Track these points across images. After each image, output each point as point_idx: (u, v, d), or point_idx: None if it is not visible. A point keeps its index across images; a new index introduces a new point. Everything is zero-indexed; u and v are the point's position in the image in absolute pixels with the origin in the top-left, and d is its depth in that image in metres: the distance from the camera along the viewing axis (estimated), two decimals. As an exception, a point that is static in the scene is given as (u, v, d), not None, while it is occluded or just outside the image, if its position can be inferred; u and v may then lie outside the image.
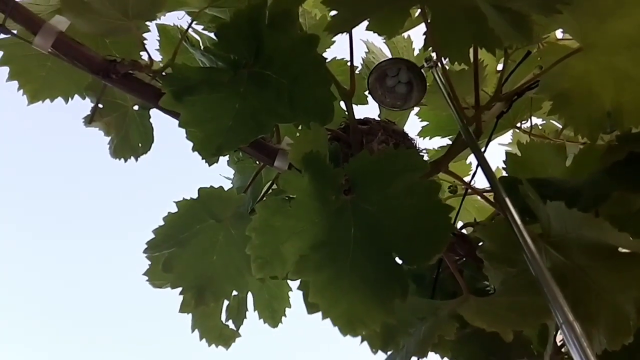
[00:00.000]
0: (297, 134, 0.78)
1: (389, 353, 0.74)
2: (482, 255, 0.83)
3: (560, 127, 1.24)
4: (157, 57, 1.08)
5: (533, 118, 1.19)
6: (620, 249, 0.75)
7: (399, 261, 0.63)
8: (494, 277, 0.83)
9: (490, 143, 1.08)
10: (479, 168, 0.93)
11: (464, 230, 1.00)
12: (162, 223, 0.90)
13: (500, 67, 1.09)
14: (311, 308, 0.69)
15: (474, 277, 1.00)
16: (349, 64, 0.92)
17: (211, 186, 0.91)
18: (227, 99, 0.78)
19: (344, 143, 0.87)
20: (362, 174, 0.69)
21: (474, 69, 0.88)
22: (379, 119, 1.00)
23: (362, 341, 0.73)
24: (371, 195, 0.68)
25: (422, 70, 1.02)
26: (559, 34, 1.07)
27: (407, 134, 0.97)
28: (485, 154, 0.99)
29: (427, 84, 1.03)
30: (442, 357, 1.00)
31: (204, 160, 0.97)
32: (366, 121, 0.94)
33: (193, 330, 1.01)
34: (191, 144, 0.76)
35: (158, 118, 1.07)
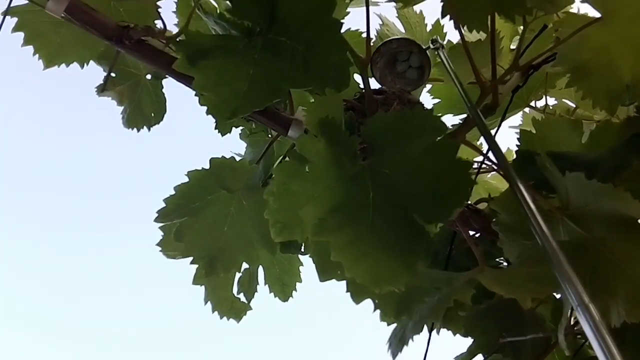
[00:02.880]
0: (312, 101, 0.77)
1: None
2: (497, 228, 0.82)
3: (574, 106, 1.22)
4: (171, 25, 1.07)
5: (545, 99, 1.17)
6: (640, 221, 0.74)
7: (420, 222, 0.62)
8: (509, 251, 0.82)
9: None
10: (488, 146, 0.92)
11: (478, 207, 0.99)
12: (173, 192, 0.89)
13: (514, 45, 1.07)
14: (323, 275, 0.68)
15: (487, 253, 0.99)
16: (364, 35, 0.91)
17: (223, 156, 0.91)
18: (242, 65, 0.77)
19: (359, 113, 0.86)
20: (379, 136, 0.68)
21: (491, 39, 0.87)
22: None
23: (375, 309, 0.73)
24: (388, 158, 0.67)
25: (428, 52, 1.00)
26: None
27: (422, 104, 0.96)
28: (497, 134, 0.98)
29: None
30: (454, 334, 0.99)
31: (216, 131, 0.97)
32: (381, 91, 0.93)
33: (206, 302, 1.01)
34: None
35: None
